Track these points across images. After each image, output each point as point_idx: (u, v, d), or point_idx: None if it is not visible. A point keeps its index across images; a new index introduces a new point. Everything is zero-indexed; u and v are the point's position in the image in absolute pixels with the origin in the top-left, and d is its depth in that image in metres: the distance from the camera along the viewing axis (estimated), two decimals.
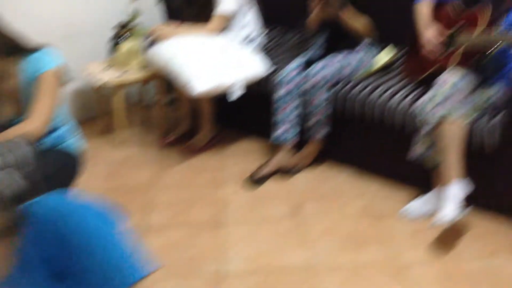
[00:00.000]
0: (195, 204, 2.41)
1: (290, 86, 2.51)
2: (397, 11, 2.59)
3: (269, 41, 3.04)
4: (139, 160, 2.81)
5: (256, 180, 2.54)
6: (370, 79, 2.49)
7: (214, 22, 2.68)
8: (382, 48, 2.66)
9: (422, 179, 2.29)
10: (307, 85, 2.43)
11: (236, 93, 2.56)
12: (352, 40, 2.55)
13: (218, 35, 2.69)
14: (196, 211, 2.36)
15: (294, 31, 3.14)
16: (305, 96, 2.47)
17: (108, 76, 2.83)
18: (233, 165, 2.73)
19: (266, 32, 2.98)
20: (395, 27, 2.64)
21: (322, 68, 2.42)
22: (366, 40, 2.57)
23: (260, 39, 2.88)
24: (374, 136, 2.48)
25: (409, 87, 2.38)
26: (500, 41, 1.93)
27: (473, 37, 2.05)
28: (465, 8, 2.19)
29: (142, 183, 2.60)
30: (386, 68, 2.60)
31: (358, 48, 2.56)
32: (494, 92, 2.13)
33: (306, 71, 2.46)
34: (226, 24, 2.72)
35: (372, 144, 2.51)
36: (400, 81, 2.46)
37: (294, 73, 2.52)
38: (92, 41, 3.08)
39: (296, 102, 2.53)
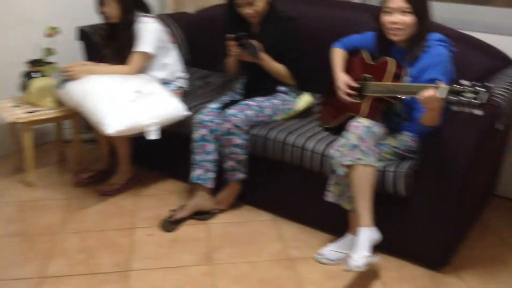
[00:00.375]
0: (101, 251, 2.27)
1: (208, 128, 2.48)
2: (316, 58, 2.67)
3: (191, 83, 3.02)
4: (49, 202, 2.65)
5: (171, 223, 2.45)
6: (287, 123, 2.51)
7: (133, 62, 2.63)
8: (301, 94, 2.71)
9: (337, 223, 2.30)
10: (223, 128, 2.41)
11: (153, 134, 2.49)
12: (271, 86, 2.58)
13: (137, 75, 2.64)
14: (101, 259, 2.21)
15: (216, 75, 3.15)
16: (222, 139, 2.44)
17: (18, 113, 2.69)
18: (148, 208, 2.63)
19: (187, 73, 2.95)
20: (314, 74, 2.70)
21: (240, 111, 2.42)
22: (285, 86, 2.60)
23: (181, 81, 2.86)
24: (291, 180, 2.48)
25: (324, 132, 2.42)
26: (406, 92, 1.99)
27: (381, 86, 2.12)
28: (376, 59, 2.28)
29: (47, 228, 2.43)
30: (303, 114, 2.63)
31: (276, 93, 2.58)
32: (403, 140, 2.19)
33: (223, 114, 2.44)
34: (146, 64, 2.68)
35: (289, 188, 2.50)
36: (316, 126, 2.49)
37: (212, 115, 2.50)
38: (2, 76, 2.94)
39: (214, 145, 2.49)
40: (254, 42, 2.43)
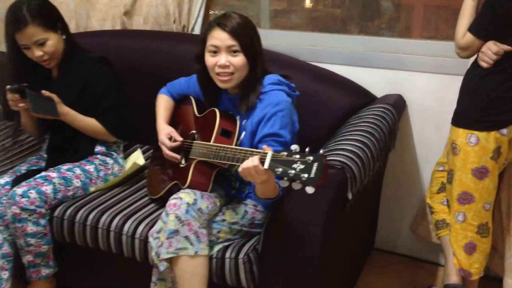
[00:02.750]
0: None
1: None
2: (145, 104, 2.13)
3: None
4: None
5: None
6: (104, 196, 1.92)
7: None
8: (127, 153, 2.15)
9: None
10: (14, 209, 1.76)
11: None
12: (83, 147, 1.99)
13: None
14: None
15: (10, 130, 2.38)
16: (14, 224, 1.79)
17: None
18: None
19: None
20: (143, 124, 2.16)
21: (32, 188, 1.79)
22: (103, 145, 2.02)
23: None
24: (114, 269, 1.90)
25: (149, 206, 1.87)
26: (232, 158, 1.50)
27: (206, 148, 1.61)
28: (207, 109, 1.78)
29: None
30: (130, 179, 2.07)
31: (92, 156, 2.00)
32: (244, 211, 1.70)
33: (12, 190, 1.80)
34: None
35: (113, 278, 1.92)
36: (143, 197, 1.93)
37: (0, 194, 1.86)
38: None
39: (4, 234, 1.85)
40: (47, 93, 1.83)
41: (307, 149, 1.26)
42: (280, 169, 1.26)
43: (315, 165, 1.21)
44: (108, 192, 1.95)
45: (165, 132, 1.82)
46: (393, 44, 2.19)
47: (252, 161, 1.34)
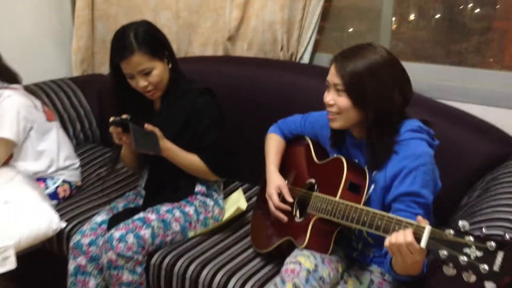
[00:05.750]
0: None
1: (87, 255, 1.69)
2: (249, 140, 1.94)
3: (91, 172, 2.24)
4: None
5: None
6: (206, 243, 1.73)
7: None
8: (228, 195, 1.95)
9: None
10: (110, 255, 1.61)
11: (7, 265, 1.69)
12: (183, 186, 1.81)
13: None
14: None
15: (108, 159, 2.25)
16: (109, 271, 1.64)
17: None
18: None
19: (77, 160, 2.15)
20: (246, 163, 1.97)
21: (130, 232, 1.63)
22: (204, 185, 1.84)
23: (68, 172, 2.08)
24: None
25: (255, 261, 1.65)
26: (365, 223, 1.24)
27: (329, 204, 1.37)
28: (326, 155, 1.55)
29: None
30: (232, 224, 1.86)
31: (191, 196, 1.82)
32: (369, 279, 1.43)
33: (109, 233, 1.65)
34: (7, 153, 1.91)
35: None
36: (245, 250, 1.71)
37: (94, 235, 1.72)
38: None
39: (97, 279, 1.70)
40: (150, 127, 1.67)
41: (483, 229, 0.98)
42: (445, 252, 0.99)
43: (501, 254, 0.92)
44: (209, 240, 1.75)
45: (275, 184, 1.59)
46: None
47: (404, 236, 1.08)
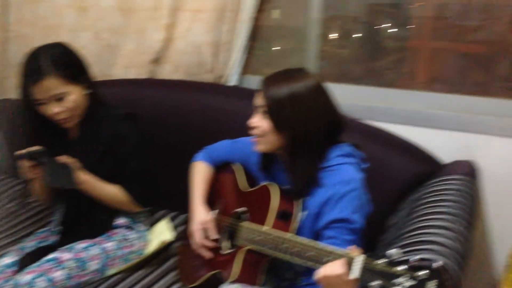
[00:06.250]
0: None
1: None
2: (176, 168, 1.84)
3: None
4: None
5: None
6: (126, 283, 1.60)
7: None
8: (153, 226, 1.84)
9: None
10: None
11: None
12: (102, 220, 1.68)
13: None
14: None
15: (18, 192, 2.10)
16: None
17: None
18: None
19: None
20: (172, 191, 1.87)
21: (40, 275, 1.46)
22: (126, 217, 1.72)
23: None
24: None
25: None
26: (295, 254, 1.18)
27: (259, 234, 1.30)
28: (256, 182, 1.49)
29: None
30: (157, 257, 1.74)
31: (111, 230, 1.69)
32: None
33: (17, 278, 1.48)
34: None
35: None
36: (171, 285, 1.60)
37: (4, 277, 1.54)
38: None
39: None
40: (64, 159, 1.54)
41: (416, 257, 0.94)
42: (377, 283, 0.95)
43: (433, 283, 0.89)
44: (131, 276, 1.63)
45: (199, 220, 1.51)
46: (464, 102, 1.91)
47: (336, 267, 1.03)
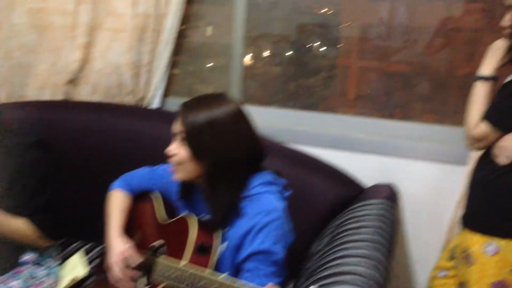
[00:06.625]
0: None
1: None
2: (92, 198, 1.73)
3: None
4: None
5: None
6: None
7: None
8: (64, 261, 1.72)
9: None
10: None
11: None
12: (5, 257, 1.53)
13: None
14: None
15: None
16: None
17: None
18: None
19: None
20: (85, 222, 1.75)
21: None
22: (34, 252, 1.58)
23: None
24: None
25: None
26: (214, 285, 1.13)
27: (175, 271, 1.23)
28: (175, 212, 1.42)
29: None
30: None
31: (16, 268, 1.54)
32: None
33: None
34: None
35: None
36: None
37: None
38: None
39: None
40: None
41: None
42: None
43: None
44: None
45: (116, 252, 1.41)
46: (383, 126, 1.95)
47: None
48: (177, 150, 1.29)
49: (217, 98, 1.32)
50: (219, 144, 1.26)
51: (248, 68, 2.17)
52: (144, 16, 1.97)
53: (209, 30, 2.22)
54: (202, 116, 1.25)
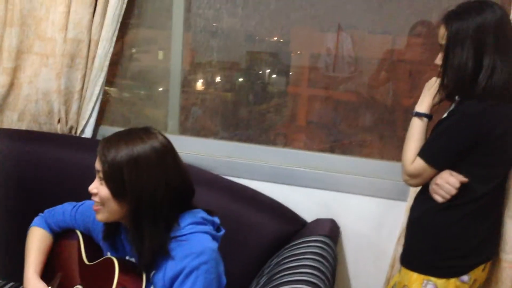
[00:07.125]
0: None
1: None
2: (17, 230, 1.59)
3: None
4: None
5: None
6: None
7: None
8: None
9: None
10: None
11: None
12: None
13: None
14: None
15: None
16: None
17: None
18: None
19: None
20: (12, 256, 1.60)
21: None
22: None
23: None
24: None
25: None
26: None
27: None
28: (99, 253, 1.31)
29: None
30: None
31: None
32: None
33: None
34: None
35: None
36: None
37: None
38: None
39: None
40: None
41: None
42: None
43: None
44: None
45: None
46: (324, 159, 1.92)
47: None
48: (97, 189, 1.19)
49: (141, 133, 1.23)
50: (141, 182, 1.17)
51: (195, 94, 2.10)
52: (75, 41, 1.86)
53: (160, 54, 2.14)
54: (122, 153, 1.16)
